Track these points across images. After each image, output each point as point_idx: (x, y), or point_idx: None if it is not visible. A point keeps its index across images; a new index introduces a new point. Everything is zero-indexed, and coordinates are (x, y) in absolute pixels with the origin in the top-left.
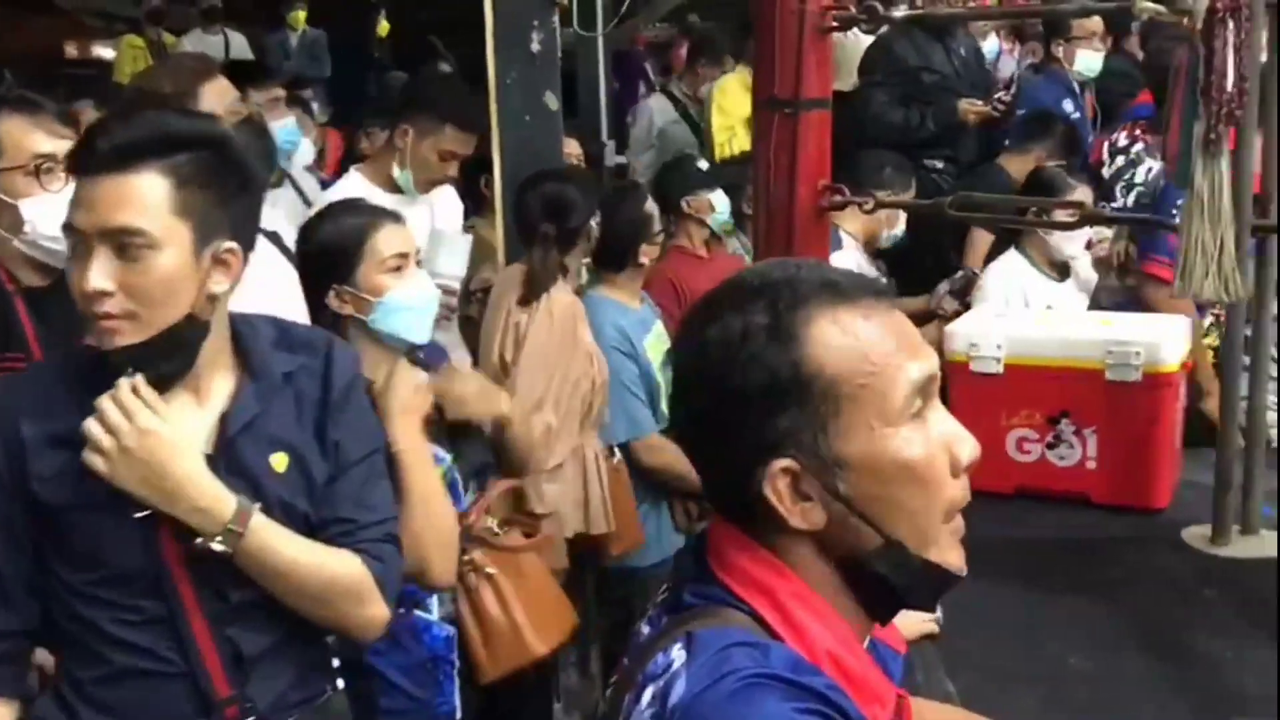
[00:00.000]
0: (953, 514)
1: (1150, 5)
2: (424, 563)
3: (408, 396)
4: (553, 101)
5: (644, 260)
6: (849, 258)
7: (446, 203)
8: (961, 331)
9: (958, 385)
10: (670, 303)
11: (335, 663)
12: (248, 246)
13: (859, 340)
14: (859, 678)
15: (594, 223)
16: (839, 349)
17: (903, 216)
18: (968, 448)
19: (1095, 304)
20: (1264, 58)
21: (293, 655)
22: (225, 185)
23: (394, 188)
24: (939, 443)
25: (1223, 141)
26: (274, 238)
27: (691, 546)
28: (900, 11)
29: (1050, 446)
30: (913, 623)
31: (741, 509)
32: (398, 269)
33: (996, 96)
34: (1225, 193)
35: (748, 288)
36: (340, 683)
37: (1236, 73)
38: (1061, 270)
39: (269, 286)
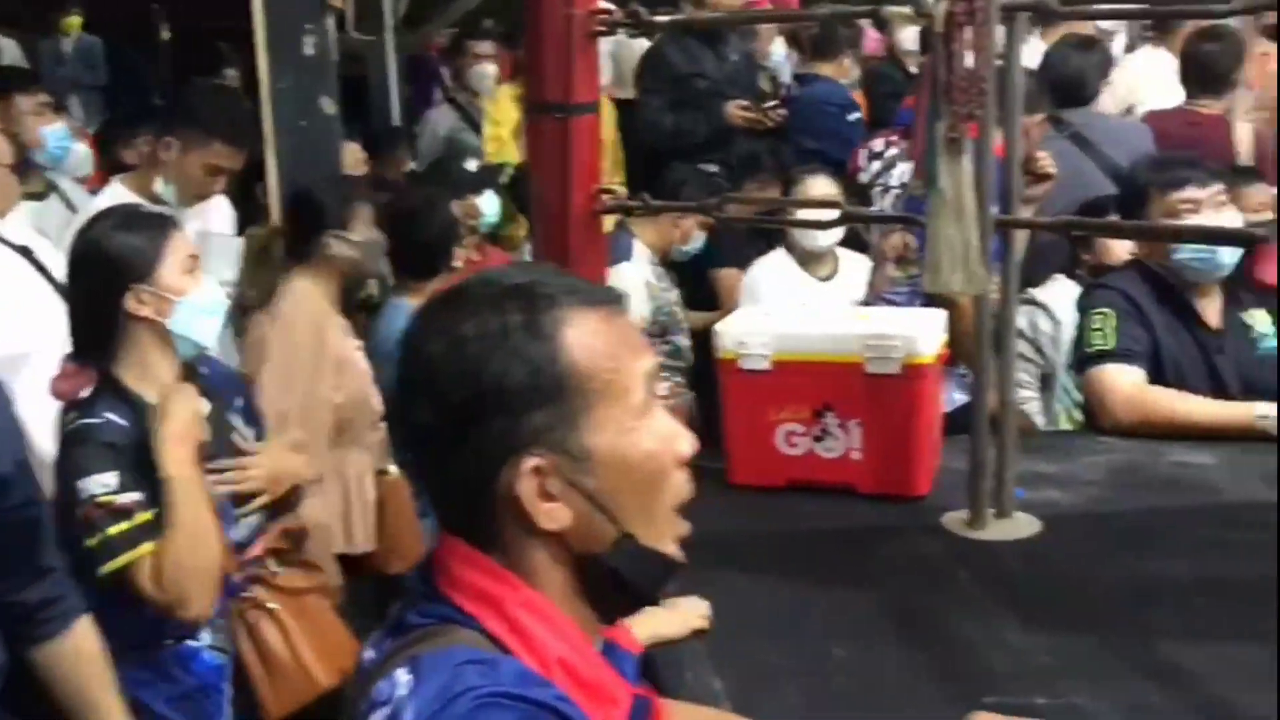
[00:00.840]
0: (678, 505)
1: (896, 9)
2: (184, 596)
3: (184, 423)
4: (328, 106)
5: (458, 264)
6: (639, 268)
7: (218, 212)
8: (729, 330)
9: (729, 382)
10: None
11: None
12: None
13: (605, 340)
14: (591, 682)
15: (363, 233)
16: (589, 347)
17: (699, 232)
18: (686, 442)
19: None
20: (1000, 60)
21: None
22: None
23: (156, 201)
24: (666, 435)
25: (964, 141)
26: (24, 251)
27: (421, 565)
28: (678, 15)
29: (817, 439)
30: (683, 620)
31: (474, 520)
32: (191, 271)
33: (770, 103)
34: (968, 190)
35: (496, 288)
36: None
37: (974, 74)
38: (829, 269)
39: (10, 302)
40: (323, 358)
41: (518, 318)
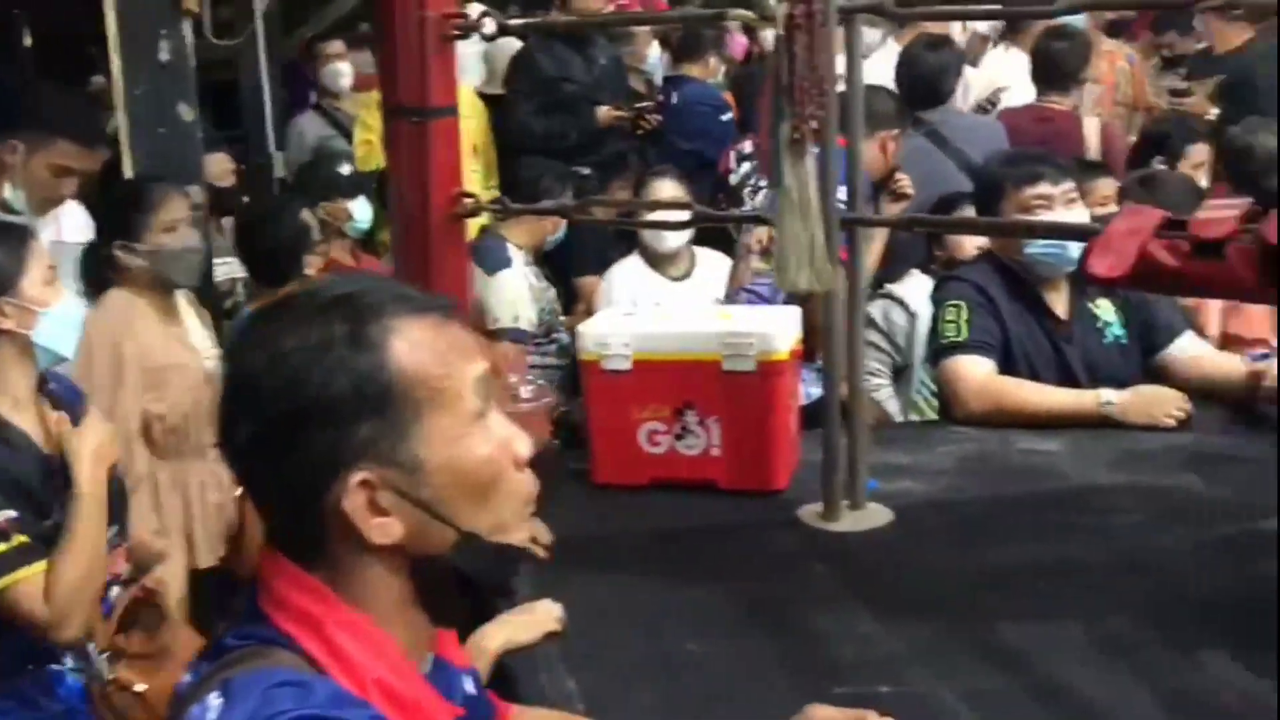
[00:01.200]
0: (526, 504)
1: (741, 12)
2: (69, 616)
3: (103, 440)
4: (186, 113)
5: (309, 271)
6: (519, 272)
7: (71, 219)
8: (590, 332)
9: (591, 383)
10: None
11: None
12: None
13: (434, 348)
14: (409, 702)
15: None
16: (418, 356)
17: (564, 223)
18: (523, 443)
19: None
20: (842, 61)
21: None
22: None
23: (6, 209)
24: (502, 440)
25: (807, 141)
26: None
27: (249, 584)
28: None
29: (678, 437)
30: (537, 625)
31: (301, 536)
32: (51, 282)
33: (641, 105)
34: (813, 189)
35: (320, 299)
36: None
37: (816, 75)
38: (683, 269)
39: None
40: (124, 370)
41: (342, 329)
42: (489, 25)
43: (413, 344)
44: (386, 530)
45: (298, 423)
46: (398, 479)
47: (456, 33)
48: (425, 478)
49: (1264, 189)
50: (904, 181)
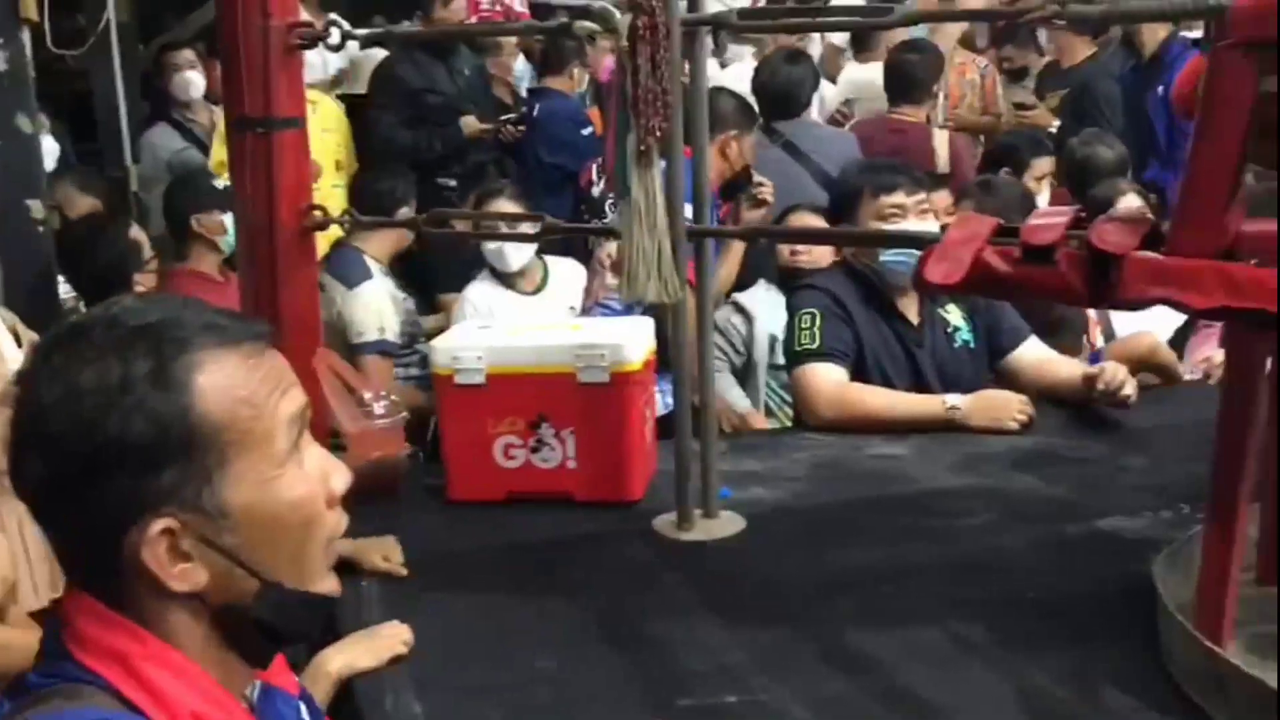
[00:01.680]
0: (332, 544)
1: (587, 24)
2: None
3: None
4: (26, 124)
5: (140, 290)
6: (380, 284)
7: None
8: (444, 346)
9: (445, 399)
10: None
11: None
12: None
13: (244, 385)
14: None
15: None
16: (226, 394)
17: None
18: (340, 478)
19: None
20: (685, 73)
21: None
22: None
23: None
24: (316, 477)
25: (653, 153)
26: None
27: (53, 623)
28: (386, 30)
29: (534, 450)
30: (382, 648)
31: (100, 578)
32: None
33: (508, 117)
34: (659, 201)
35: (121, 329)
36: None
37: (660, 87)
38: (536, 283)
39: None
40: None
41: (144, 365)
42: (334, 35)
43: (220, 382)
44: (188, 577)
45: (93, 467)
46: (202, 525)
47: (301, 42)
48: (231, 524)
49: (1099, 198)
50: (766, 188)
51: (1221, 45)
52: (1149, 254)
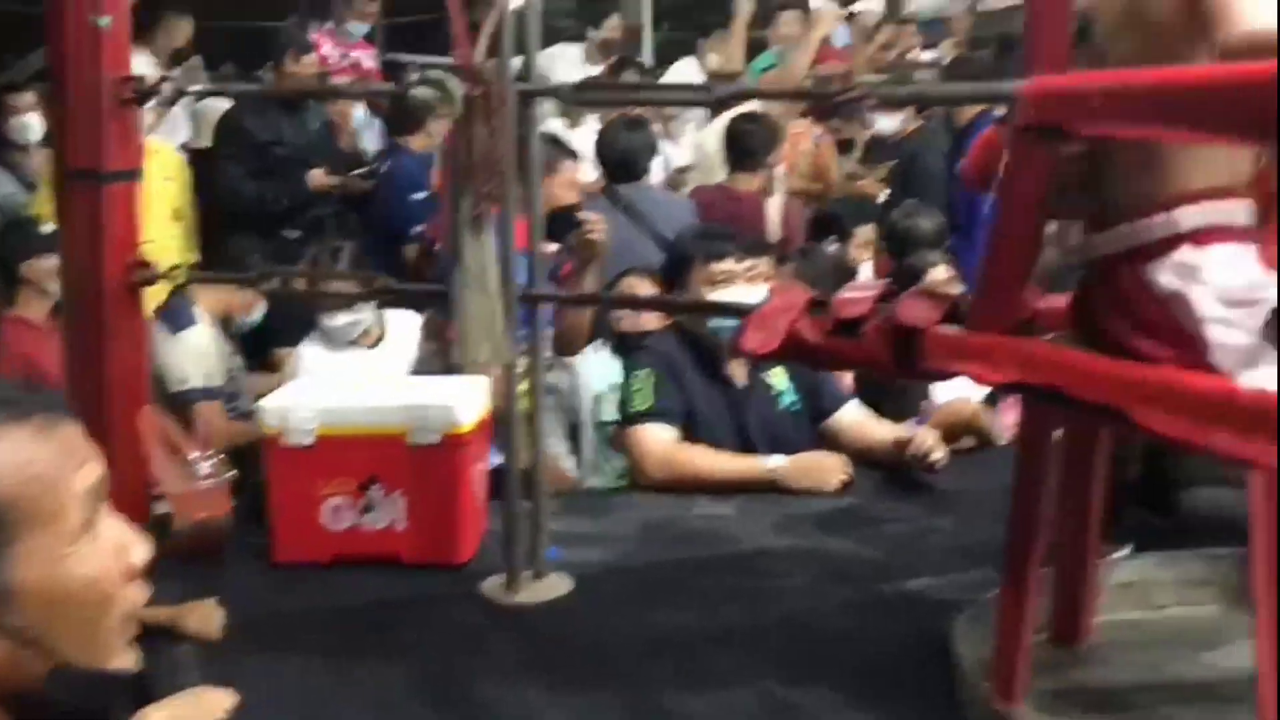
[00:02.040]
0: (129, 619)
1: (425, 90)
2: None
3: None
4: None
5: None
6: (204, 332)
7: None
8: (273, 406)
9: (273, 459)
10: None
11: None
12: None
13: (33, 460)
14: None
15: None
16: (13, 470)
17: (261, 304)
18: (139, 551)
19: None
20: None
21: None
22: None
23: None
24: (111, 552)
25: (486, 218)
26: None
27: None
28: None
29: (364, 512)
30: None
31: None
32: None
33: (357, 171)
34: (492, 266)
35: None
36: None
37: (492, 155)
38: (373, 337)
39: None
40: None
41: None
42: (167, 89)
43: (8, 456)
44: None
45: None
46: None
47: (133, 96)
48: (18, 604)
49: (914, 268)
50: (597, 229)
51: (1015, 129)
52: (949, 329)
